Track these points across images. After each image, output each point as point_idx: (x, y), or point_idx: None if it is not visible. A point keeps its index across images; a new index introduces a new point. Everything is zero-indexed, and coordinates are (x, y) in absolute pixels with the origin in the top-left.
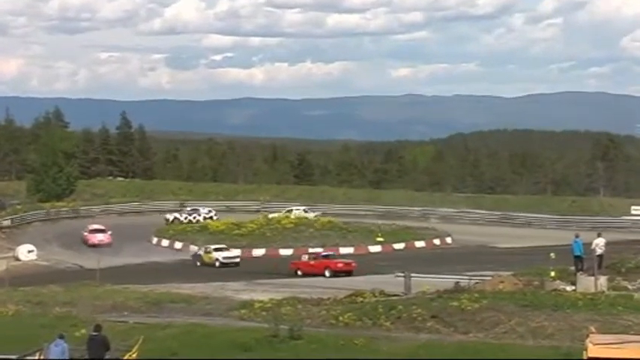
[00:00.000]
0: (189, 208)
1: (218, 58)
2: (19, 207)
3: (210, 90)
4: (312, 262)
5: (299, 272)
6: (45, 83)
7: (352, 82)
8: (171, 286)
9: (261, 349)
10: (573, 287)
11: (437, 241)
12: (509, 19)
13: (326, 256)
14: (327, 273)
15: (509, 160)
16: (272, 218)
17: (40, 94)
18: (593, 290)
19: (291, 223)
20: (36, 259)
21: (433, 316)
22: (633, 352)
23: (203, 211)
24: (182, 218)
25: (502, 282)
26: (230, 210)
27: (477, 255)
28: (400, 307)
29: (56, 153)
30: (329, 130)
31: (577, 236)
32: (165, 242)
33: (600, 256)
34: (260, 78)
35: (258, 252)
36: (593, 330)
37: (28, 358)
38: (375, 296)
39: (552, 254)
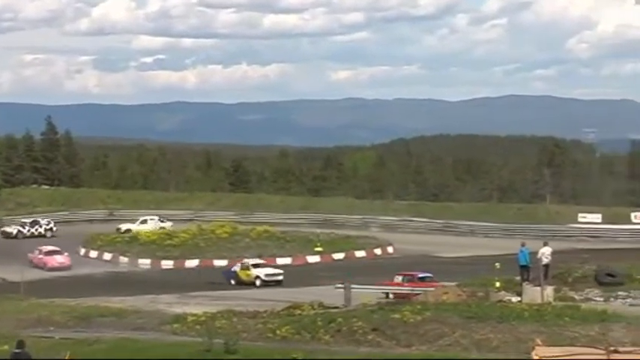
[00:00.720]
0: (29, 220)
1: (148, 60)
2: None
3: (140, 94)
4: (405, 284)
5: (391, 296)
6: None
7: (290, 85)
8: (100, 300)
9: None
10: (519, 298)
11: (378, 251)
12: (452, 20)
13: (422, 279)
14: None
15: (452, 166)
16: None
17: None
18: (539, 301)
19: (226, 232)
20: None
21: (374, 329)
22: None
23: (43, 222)
24: (25, 231)
25: (446, 293)
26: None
27: (420, 265)
28: (340, 319)
29: None
30: (265, 136)
31: (523, 245)
32: (93, 253)
33: (546, 266)
34: (193, 81)
35: (192, 263)
36: (539, 342)
37: None
38: (314, 308)
39: (497, 264)
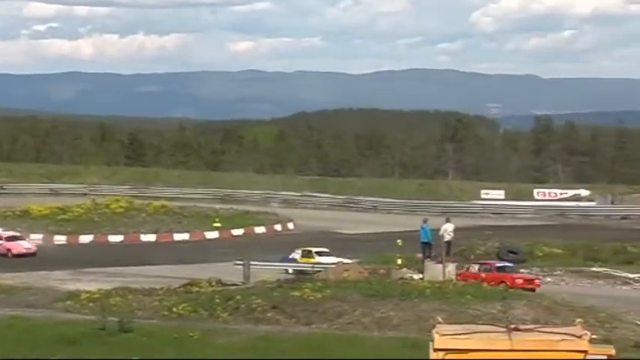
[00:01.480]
0: None
1: (41, 28)
2: None
3: (32, 63)
4: (482, 275)
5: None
6: None
7: (188, 56)
8: None
9: (88, 343)
10: (420, 275)
11: (278, 227)
12: None
13: (501, 268)
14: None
15: (355, 141)
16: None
17: None
18: (441, 278)
19: (122, 207)
20: None
21: (274, 307)
22: (480, 342)
23: None
24: None
25: (346, 270)
26: (55, 193)
27: (321, 242)
28: (238, 297)
29: None
30: (163, 108)
31: (425, 222)
32: None
33: (449, 243)
34: (88, 51)
35: (86, 238)
36: (440, 320)
37: None
38: (212, 286)
39: (399, 241)
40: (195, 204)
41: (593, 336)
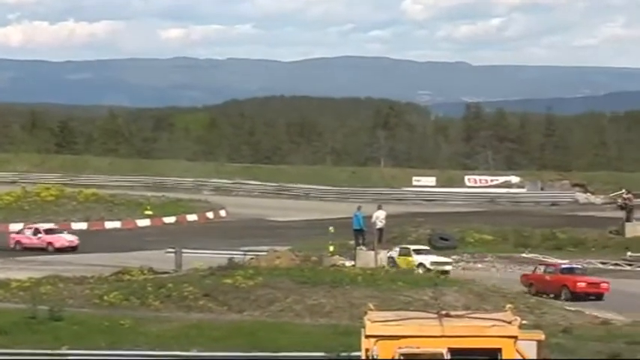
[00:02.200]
0: None
1: None
2: None
3: None
4: (547, 277)
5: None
6: None
7: (119, 43)
8: None
9: (18, 332)
10: (352, 262)
11: (210, 215)
12: None
13: (568, 270)
14: (563, 294)
15: (286, 129)
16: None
17: None
18: (373, 265)
19: (52, 195)
20: None
21: (205, 295)
22: (412, 328)
23: None
24: None
25: (278, 257)
26: None
27: (253, 229)
28: (170, 285)
29: None
30: (94, 95)
31: (359, 209)
32: None
33: (380, 230)
34: (17, 38)
35: (16, 227)
36: (372, 307)
37: None
38: (144, 274)
39: (331, 228)
40: (126, 192)
41: (523, 321)
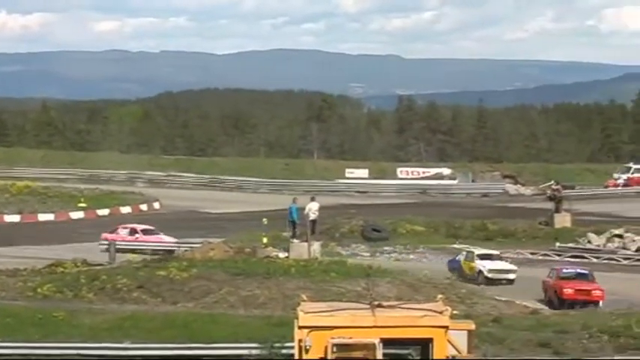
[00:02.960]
0: None
1: None
2: None
3: None
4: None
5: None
6: None
7: (52, 35)
8: None
9: None
10: (286, 254)
11: (144, 207)
12: None
13: (583, 276)
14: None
15: (220, 121)
16: None
17: None
18: (306, 257)
19: None
20: None
21: (139, 287)
22: (344, 319)
23: None
24: None
25: (212, 249)
26: None
27: (187, 221)
28: (104, 277)
29: None
30: (26, 88)
31: (294, 201)
32: None
33: (313, 221)
34: None
35: None
36: (305, 298)
37: None
38: (77, 266)
39: (265, 220)
40: (60, 184)
41: (454, 311)
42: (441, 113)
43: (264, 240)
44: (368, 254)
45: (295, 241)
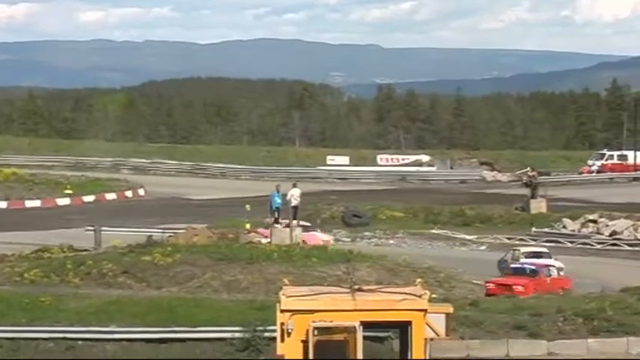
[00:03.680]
0: None
1: None
2: None
3: None
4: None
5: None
6: None
7: (37, 25)
8: None
9: None
10: (268, 239)
11: (129, 193)
12: None
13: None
14: None
15: (203, 109)
16: None
17: None
18: (288, 242)
19: None
20: None
21: (124, 272)
22: (325, 302)
23: None
24: None
25: (196, 235)
26: None
27: (171, 207)
28: (90, 262)
29: None
30: (13, 77)
31: (277, 188)
32: None
33: (295, 207)
34: None
35: None
36: (287, 282)
37: None
38: (64, 251)
39: (247, 206)
40: (46, 171)
41: (433, 295)
42: (419, 102)
43: (247, 225)
44: (348, 239)
45: (277, 226)
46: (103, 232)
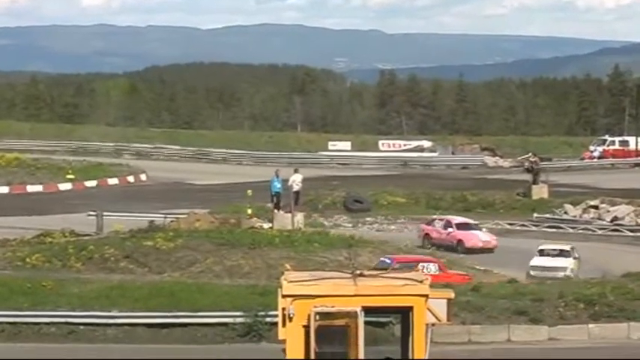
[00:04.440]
0: None
1: None
2: None
3: None
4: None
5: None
6: None
7: (40, 10)
8: None
9: None
10: (270, 224)
11: (131, 178)
12: None
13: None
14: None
15: (206, 94)
16: None
17: None
18: (290, 227)
19: None
20: None
21: (126, 257)
22: (327, 288)
23: None
24: None
25: (198, 220)
26: None
27: (173, 192)
28: (92, 247)
29: None
30: (15, 62)
31: (276, 173)
32: None
33: (297, 193)
34: None
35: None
36: (289, 267)
37: None
38: (66, 236)
39: (249, 191)
40: (48, 156)
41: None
42: (421, 87)
43: (249, 211)
44: (350, 225)
45: (278, 212)
46: (105, 217)
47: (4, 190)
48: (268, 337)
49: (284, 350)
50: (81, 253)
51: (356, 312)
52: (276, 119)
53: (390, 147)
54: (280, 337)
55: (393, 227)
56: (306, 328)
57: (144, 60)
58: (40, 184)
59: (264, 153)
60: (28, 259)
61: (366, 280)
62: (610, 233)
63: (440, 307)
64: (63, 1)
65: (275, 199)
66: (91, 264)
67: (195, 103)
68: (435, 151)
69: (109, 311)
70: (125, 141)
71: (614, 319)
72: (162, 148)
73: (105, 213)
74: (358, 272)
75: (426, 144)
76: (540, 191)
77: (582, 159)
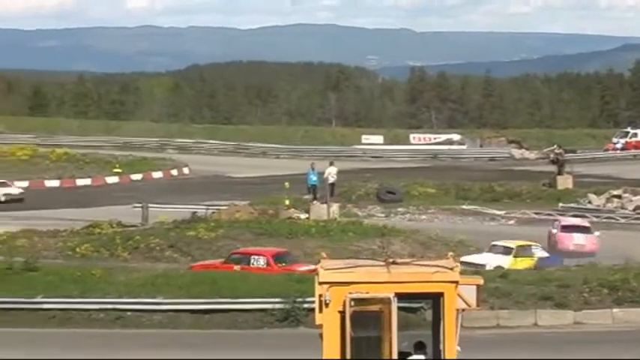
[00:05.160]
0: None
1: None
2: None
3: None
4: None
5: None
6: None
7: (86, 12)
8: None
9: None
10: (307, 215)
11: (174, 172)
12: None
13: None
14: None
15: (244, 92)
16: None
17: None
18: (325, 218)
19: (26, 155)
20: None
21: (170, 246)
22: (361, 275)
23: None
24: None
25: (238, 211)
26: None
27: (214, 185)
28: (138, 237)
29: None
30: (64, 62)
31: (312, 166)
32: None
33: (332, 185)
34: None
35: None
36: (325, 256)
37: None
38: (113, 227)
39: (287, 183)
40: (96, 151)
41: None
42: (450, 83)
43: (287, 202)
44: (383, 215)
45: (315, 203)
46: (150, 209)
47: (55, 183)
48: (305, 322)
49: (321, 335)
50: (127, 243)
51: (389, 298)
52: (312, 115)
53: (421, 140)
54: (317, 322)
55: (423, 217)
56: (342, 313)
57: (185, 59)
58: (89, 177)
59: (301, 147)
60: (77, 249)
61: (399, 268)
62: (633, 222)
63: (469, 292)
64: (108, 3)
65: (311, 190)
66: (137, 253)
67: (234, 100)
68: (463, 144)
69: (155, 298)
70: (168, 136)
71: (637, 303)
72: (203, 142)
73: (150, 205)
74: (391, 260)
75: (455, 137)
76: (565, 182)
77: (605, 150)
